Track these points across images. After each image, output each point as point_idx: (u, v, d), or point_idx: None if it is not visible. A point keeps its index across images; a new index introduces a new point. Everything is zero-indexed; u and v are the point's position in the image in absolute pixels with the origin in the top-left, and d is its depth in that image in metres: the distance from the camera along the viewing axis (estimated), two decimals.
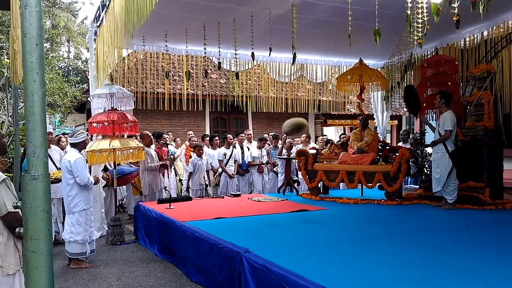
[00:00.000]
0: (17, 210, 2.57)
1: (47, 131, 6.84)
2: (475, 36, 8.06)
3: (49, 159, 6.65)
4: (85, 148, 6.29)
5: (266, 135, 10.26)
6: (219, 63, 8.15)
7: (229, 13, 6.86)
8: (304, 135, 10.28)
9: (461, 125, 6.82)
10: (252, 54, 7.39)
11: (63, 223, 6.45)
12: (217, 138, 9.63)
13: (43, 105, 1.65)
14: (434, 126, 6.68)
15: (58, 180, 6.08)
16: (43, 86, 1.64)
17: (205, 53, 7.84)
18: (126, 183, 8.23)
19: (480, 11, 4.28)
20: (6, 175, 2.70)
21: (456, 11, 4.54)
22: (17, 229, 2.49)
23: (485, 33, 7.82)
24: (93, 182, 5.65)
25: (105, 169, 7.46)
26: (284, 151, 8.92)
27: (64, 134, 8.71)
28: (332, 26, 7.54)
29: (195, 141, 9.38)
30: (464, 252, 3.83)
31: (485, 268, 3.33)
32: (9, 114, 10.33)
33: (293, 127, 8.02)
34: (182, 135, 11.47)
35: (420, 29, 5.29)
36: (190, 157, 8.79)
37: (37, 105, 1.64)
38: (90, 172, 6.52)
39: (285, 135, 8.60)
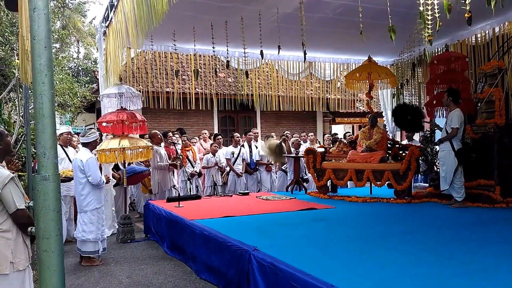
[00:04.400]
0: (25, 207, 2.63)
1: (67, 130, 6.93)
2: (486, 32, 7.95)
3: (66, 157, 6.72)
4: (96, 148, 6.35)
5: (273, 133, 10.27)
6: (228, 61, 8.15)
7: (236, 12, 6.86)
8: (311, 134, 10.26)
9: (472, 122, 6.76)
10: (261, 53, 7.38)
11: (74, 221, 6.54)
12: (220, 136, 9.60)
13: (52, 107, 1.67)
14: (442, 126, 6.64)
15: (69, 179, 6.16)
16: (52, 88, 1.67)
17: (213, 52, 7.86)
18: (137, 182, 8.29)
19: (492, 7, 4.23)
20: (19, 174, 2.76)
21: (468, 8, 4.49)
22: (29, 228, 2.54)
23: (497, 29, 7.71)
24: (104, 181, 5.71)
25: (117, 168, 7.53)
26: (292, 149, 8.91)
27: (76, 134, 8.79)
28: (340, 24, 7.50)
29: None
30: (474, 250, 3.81)
31: (495, 266, 3.31)
32: (21, 114, 10.45)
33: (271, 151, 8.21)
34: (190, 134, 11.51)
35: (430, 26, 5.25)
36: (187, 156, 8.80)
37: (47, 107, 1.66)
38: (101, 171, 6.58)
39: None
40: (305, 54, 6.70)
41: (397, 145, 7.72)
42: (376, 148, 7.39)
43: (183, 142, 8.96)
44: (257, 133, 10.11)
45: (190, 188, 8.46)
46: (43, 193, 1.70)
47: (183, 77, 12.54)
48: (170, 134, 8.80)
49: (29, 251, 2.80)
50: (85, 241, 5.45)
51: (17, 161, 5.85)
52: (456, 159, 6.15)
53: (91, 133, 5.71)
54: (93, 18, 25.41)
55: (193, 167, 8.75)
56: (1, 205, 2.63)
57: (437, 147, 7.50)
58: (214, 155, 8.76)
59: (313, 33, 7.46)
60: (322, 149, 8.17)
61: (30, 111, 6.11)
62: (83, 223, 5.49)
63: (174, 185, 8.11)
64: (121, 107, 6.96)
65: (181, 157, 8.49)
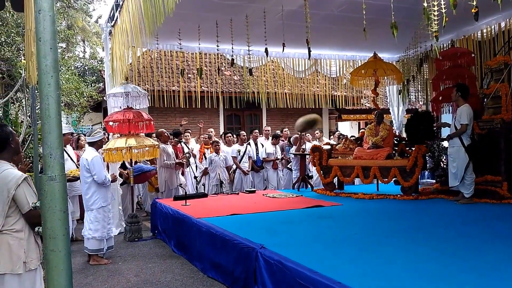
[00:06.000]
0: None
1: (70, 131, 6.97)
2: (492, 27, 7.88)
3: (69, 157, 6.77)
4: (102, 147, 6.40)
5: (279, 132, 10.27)
6: (232, 59, 8.15)
7: (241, 10, 6.86)
8: (317, 131, 10.25)
9: (478, 118, 6.71)
10: (266, 50, 7.37)
11: (80, 220, 6.59)
12: (229, 134, 9.66)
13: (58, 108, 1.68)
14: (449, 123, 6.58)
15: (76, 178, 6.21)
16: (58, 89, 1.68)
17: (218, 50, 7.86)
18: (145, 181, 8.33)
19: (499, 2, 4.19)
20: (28, 174, 2.79)
21: (474, 3, 4.46)
22: (36, 228, 2.56)
23: (502, 24, 7.64)
24: (110, 179, 5.75)
25: (124, 167, 7.57)
26: (294, 147, 8.89)
27: (81, 133, 8.85)
28: (345, 21, 7.47)
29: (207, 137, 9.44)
30: (481, 247, 3.79)
31: (502, 262, 3.29)
32: (28, 114, 10.52)
33: (306, 124, 8.09)
34: (196, 132, 11.52)
35: (436, 22, 5.21)
36: (204, 154, 8.85)
37: (53, 107, 1.67)
38: (108, 170, 6.62)
39: (299, 133, 8.56)
40: (309, 51, 6.67)
41: (403, 142, 7.69)
42: (382, 145, 7.37)
43: (204, 139, 9.05)
44: (268, 131, 10.14)
45: (196, 187, 8.50)
46: (50, 193, 1.71)
47: (189, 75, 12.56)
48: (184, 134, 8.85)
49: (40, 250, 2.83)
50: (91, 239, 5.51)
51: (27, 160, 5.90)
52: (466, 155, 6.10)
53: (96, 132, 5.77)
54: (99, 17, 25.51)
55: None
56: (14, 205, 2.65)
57: (444, 143, 7.46)
58: (217, 154, 8.77)
59: (318, 30, 7.44)
60: (328, 146, 8.15)
61: (37, 111, 6.15)
62: (90, 221, 5.55)
63: (181, 184, 8.14)
64: (127, 106, 6.99)
65: (188, 155, 8.51)
